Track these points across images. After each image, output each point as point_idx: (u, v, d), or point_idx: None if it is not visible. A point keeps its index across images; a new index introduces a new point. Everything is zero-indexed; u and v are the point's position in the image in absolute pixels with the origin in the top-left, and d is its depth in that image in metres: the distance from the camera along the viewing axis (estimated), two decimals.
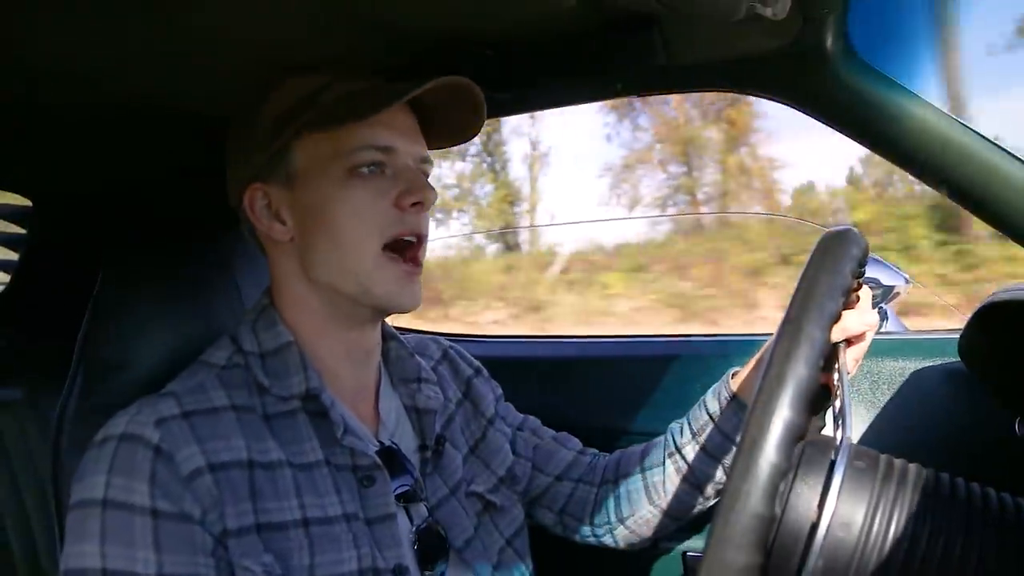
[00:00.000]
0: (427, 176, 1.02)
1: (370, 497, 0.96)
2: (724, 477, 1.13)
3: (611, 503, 1.21)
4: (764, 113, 12.81)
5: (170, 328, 1.10)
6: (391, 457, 1.01)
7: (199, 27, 0.86)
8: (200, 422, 0.89)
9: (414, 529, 1.00)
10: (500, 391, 1.29)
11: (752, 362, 1.12)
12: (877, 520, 0.59)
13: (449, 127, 1.05)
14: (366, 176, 0.95)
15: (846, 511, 0.59)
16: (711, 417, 1.13)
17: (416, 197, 0.95)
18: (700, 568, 0.56)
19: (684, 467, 1.15)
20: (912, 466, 0.64)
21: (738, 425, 1.10)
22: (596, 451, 1.29)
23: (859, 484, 0.61)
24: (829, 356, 0.86)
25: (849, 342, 0.97)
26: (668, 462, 1.17)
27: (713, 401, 1.14)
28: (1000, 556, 0.58)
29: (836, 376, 0.85)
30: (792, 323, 0.61)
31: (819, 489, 0.61)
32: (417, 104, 1.01)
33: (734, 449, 1.10)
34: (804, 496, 0.61)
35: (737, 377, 1.13)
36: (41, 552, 1.33)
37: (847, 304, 0.92)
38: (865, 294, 0.97)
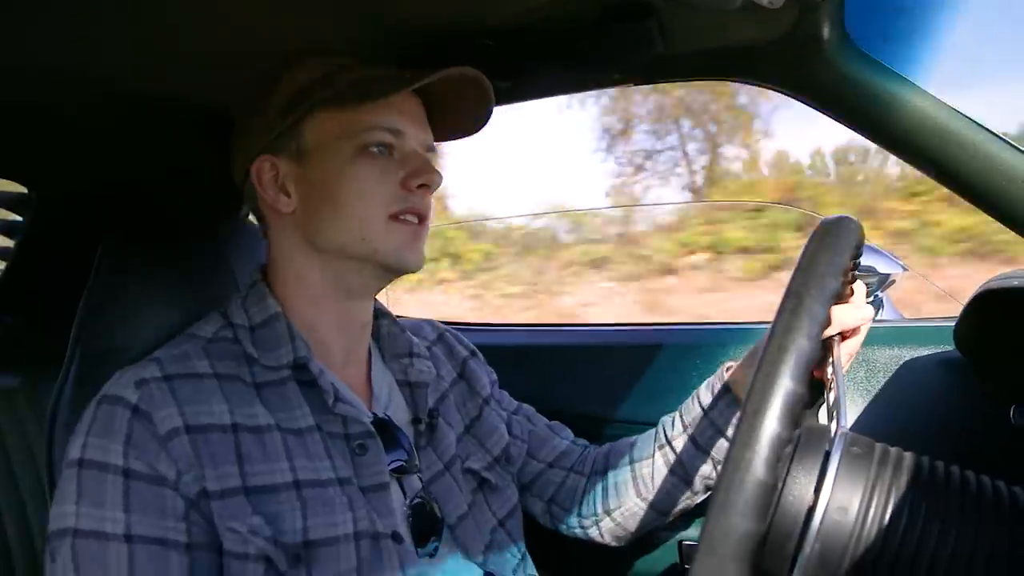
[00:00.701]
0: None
1: (363, 466, 0.96)
2: (713, 473, 1.13)
3: (599, 494, 1.21)
4: None
5: (166, 316, 1.10)
6: (384, 429, 1.02)
7: (200, 20, 0.86)
8: (180, 385, 0.90)
9: (407, 503, 1.00)
10: (495, 376, 1.30)
11: (746, 355, 1.12)
12: (873, 506, 0.60)
13: (457, 119, 1.07)
14: (375, 155, 0.97)
15: (842, 497, 0.60)
16: (703, 410, 1.13)
17: (422, 179, 0.98)
18: (702, 534, 0.56)
19: (673, 460, 1.15)
20: (907, 454, 0.64)
21: (730, 419, 1.10)
22: (587, 442, 1.30)
23: (855, 471, 0.61)
24: (823, 350, 0.87)
25: (843, 336, 0.97)
26: (658, 454, 1.17)
27: (706, 394, 1.14)
28: (994, 544, 0.58)
29: (830, 370, 0.85)
30: (793, 297, 0.61)
31: (815, 475, 0.61)
32: (425, 96, 1.03)
33: (725, 444, 1.10)
34: (800, 481, 0.61)
35: (731, 371, 1.13)
36: (36, 537, 1.34)
37: (841, 298, 0.92)
38: (859, 288, 0.97)
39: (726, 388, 1.11)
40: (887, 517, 0.59)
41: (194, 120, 1.13)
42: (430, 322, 1.30)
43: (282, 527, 0.87)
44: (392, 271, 1.01)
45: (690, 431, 1.14)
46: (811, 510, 0.59)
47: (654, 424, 1.22)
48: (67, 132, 1.14)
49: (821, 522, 0.59)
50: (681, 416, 1.17)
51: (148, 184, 1.32)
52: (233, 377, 0.95)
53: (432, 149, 1.04)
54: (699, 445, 1.13)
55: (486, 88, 1.01)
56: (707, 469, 1.13)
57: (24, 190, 1.42)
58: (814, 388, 0.88)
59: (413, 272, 1.01)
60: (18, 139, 1.14)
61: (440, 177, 0.99)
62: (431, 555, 1.00)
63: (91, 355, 1.05)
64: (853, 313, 0.96)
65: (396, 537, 0.95)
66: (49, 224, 1.37)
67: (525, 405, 1.31)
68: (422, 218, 1.00)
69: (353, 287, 1.02)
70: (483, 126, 1.09)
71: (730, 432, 1.09)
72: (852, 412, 1.34)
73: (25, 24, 0.82)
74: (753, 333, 1.50)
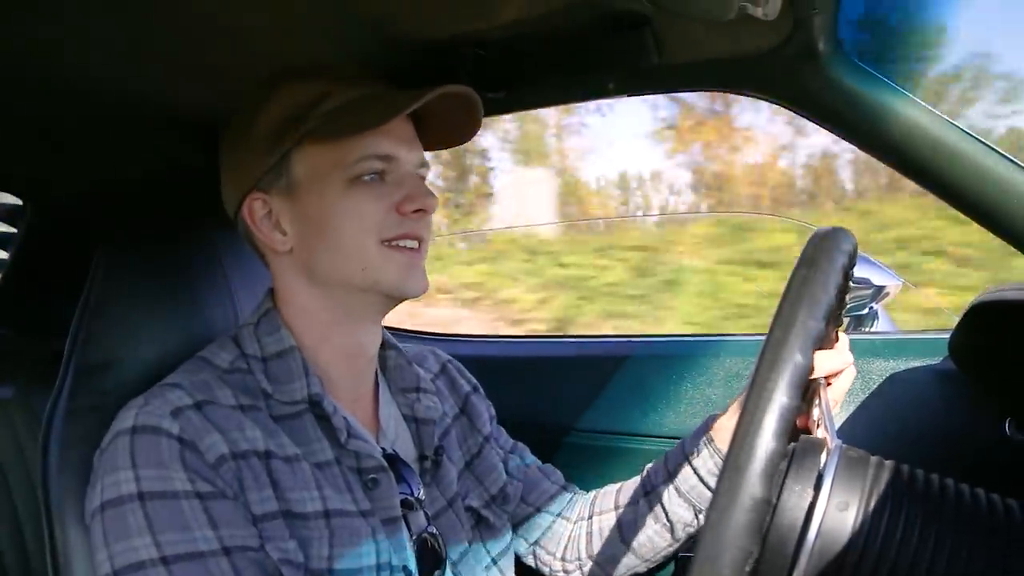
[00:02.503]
0: (424, 179, 1.02)
1: (376, 499, 0.96)
2: (695, 521, 1.13)
3: (583, 540, 1.21)
4: None
5: (160, 327, 1.10)
6: (392, 464, 1.01)
7: (194, 29, 0.86)
8: (212, 413, 0.89)
9: (413, 538, 1.00)
10: (494, 411, 1.29)
11: (732, 407, 1.11)
12: (871, 514, 0.59)
13: (446, 130, 1.06)
14: (367, 183, 0.95)
15: (836, 512, 0.60)
16: (687, 458, 1.12)
17: (418, 204, 0.96)
18: (698, 545, 0.56)
19: (657, 507, 1.15)
20: (903, 466, 0.64)
21: (713, 469, 1.10)
22: (576, 488, 1.30)
23: (850, 482, 0.61)
24: (809, 395, 0.86)
25: (828, 381, 0.96)
26: (642, 501, 1.17)
27: (691, 443, 1.14)
28: (988, 557, 0.58)
29: (816, 412, 0.83)
30: (785, 312, 0.61)
31: (811, 488, 0.61)
32: (414, 111, 1.01)
33: (707, 494, 1.09)
34: (795, 493, 0.61)
35: (716, 422, 1.12)
36: (30, 551, 1.33)
37: (826, 343, 0.91)
38: (843, 338, 0.96)
39: (710, 438, 1.11)
40: (884, 525, 0.59)
41: (188, 130, 1.13)
42: (433, 351, 1.28)
43: (310, 552, 0.88)
44: (395, 299, 1.00)
45: (674, 480, 1.13)
46: (810, 512, 0.59)
47: (641, 435, 1.22)
48: (60, 143, 1.14)
49: (820, 523, 0.59)
50: (666, 464, 1.16)
51: (142, 194, 1.32)
52: (255, 408, 0.94)
53: (425, 165, 1.02)
54: (682, 494, 1.12)
55: (475, 102, 1.00)
56: (689, 517, 1.13)
57: (18, 201, 1.42)
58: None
59: (417, 297, 1.00)
60: (11, 150, 1.14)
61: (435, 200, 0.97)
62: None
63: (86, 366, 1.05)
64: (838, 357, 0.94)
65: (406, 572, 0.95)
66: (43, 235, 1.37)
67: (519, 444, 1.31)
68: (420, 241, 0.99)
69: (359, 317, 1.01)
70: (471, 137, 1.07)
71: (712, 483, 1.08)
72: (847, 423, 1.34)
73: (19, 35, 0.82)
74: (742, 345, 1.50)
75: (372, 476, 0.96)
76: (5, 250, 1.49)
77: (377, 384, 1.10)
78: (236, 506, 0.85)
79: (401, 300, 1.01)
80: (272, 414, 0.95)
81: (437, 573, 1.01)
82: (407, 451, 1.06)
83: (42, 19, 0.79)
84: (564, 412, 1.57)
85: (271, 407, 0.95)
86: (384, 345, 1.11)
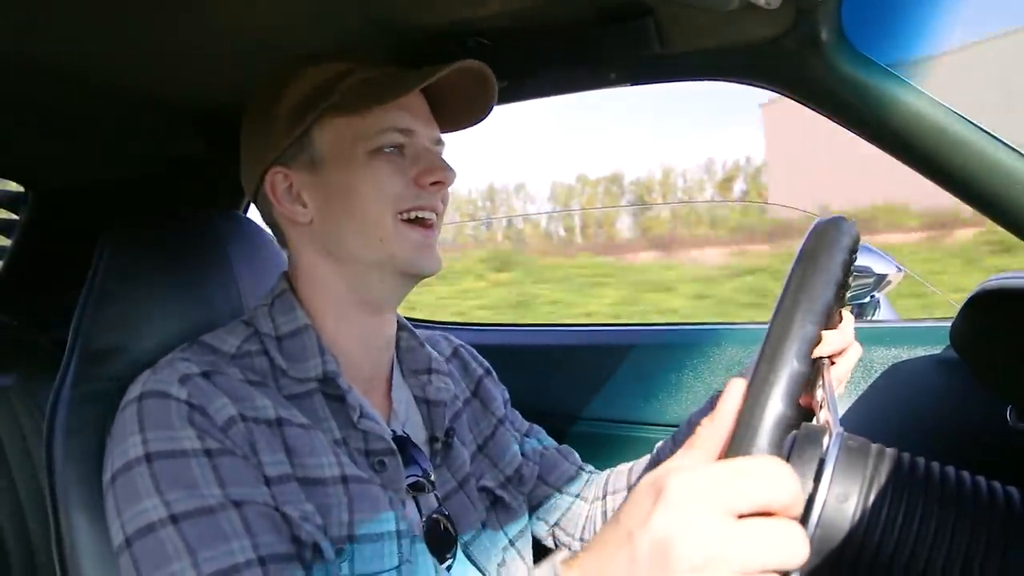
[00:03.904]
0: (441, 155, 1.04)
1: (383, 481, 0.96)
2: None
3: (599, 520, 1.22)
4: None
5: (165, 314, 1.10)
6: (403, 446, 1.01)
7: (198, 20, 0.86)
8: (221, 382, 0.89)
9: (424, 520, 1.00)
10: (508, 395, 1.29)
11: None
12: (869, 508, 0.60)
13: (460, 110, 1.08)
14: (388, 155, 0.98)
15: (841, 491, 0.60)
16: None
17: (436, 176, 0.98)
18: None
19: None
20: (903, 455, 0.64)
21: None
22: (592, 468, 1.30)
23: (850, 472, 0.61)
24: (812, 376, 0.86)
25: (832, 361, 0.96)
26: None
27: (698, 416, 1.14)
28: (988, 544, 0.59)
29: (820, 393, 0.83)
30: (787, 302, 0.61)
31: (811, 481, 0.61)
32: (427, 90, 1.02)
33: None
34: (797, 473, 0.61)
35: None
36: (34, 537, 1.34)
37: (830, 323, 0.91)
38: (848, 318, 0.96)
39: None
40: (884, 513, 0.59)
41: (192, 118, 1.13)
42: (445, 336, 1.29)
43: (329, 519, 0.87)
44: (410, 276, 1.01)
45: None
46: (810, 501, 0.59)
47: (645, 423, 1.22)
48: (64, 130, 1.14)
49: (821, 511, 0.59)
50: (674, 440, 1.17)
51: (146, 181, 1.32)
52: (264, 385, 0.94)
53: (440, 143, 1.04)
54: None
55: (489, 78, 1.01)
56: None
57: (21, 189, 1.42)
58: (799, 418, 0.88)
59: (431, 275, 1.01)
60: (15, 138, 1.14)
61: (454, 173, 1.00)
62: (448, 570, 1.00)
63: (89, 354, 1.05)
64: (840, 336, 0.94)
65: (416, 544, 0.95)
66: (46, 223, 1.37)
67: (535, 426, 1.31)
68: (437, 215, 1.00)
69: (376, 297, 1.02)
70: (485, 117, 1.09)
71: None
72: (848, 412, 1.35)
73: (23, 23, 0.82)
74: (746, 333, 1.50)
75: (380, 458, 0.97)
76: (8, 237, 1.49)
77: (391, 365, 1.10)
78: (247, 465, 0.84)
79: (416, 279, 1.02)
80: (283, 393, 0.95)
81: (449, 555, 1.01)
82: (417, 433, 1.07)
83: (46, 10, 0.79)
84: (569, 400, 1.57)
85: (281, 386, 0.95)
86: (397, 327, 1.12)
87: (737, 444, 0.58)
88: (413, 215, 0.98)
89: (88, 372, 1.03)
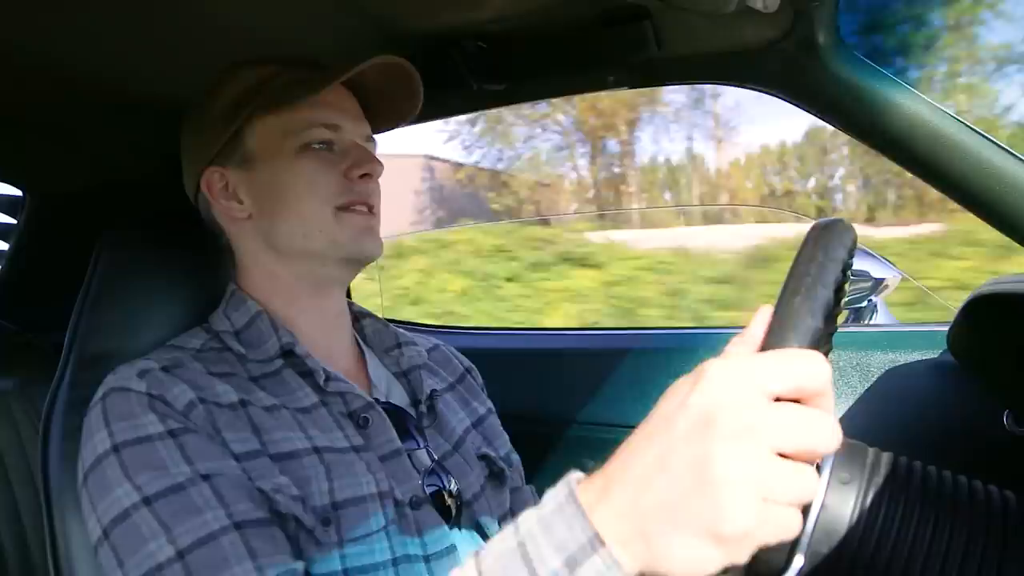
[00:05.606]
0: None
1: (371, 436, 0.97)
2: None
3: None
4: None
5: (161, 319, 1.10)
6: (388, 410, 1.02)
7: (193, 23, 0.86)
8: (181, 373, 0.91)
9: (422, 474, 1.00)
10: (491, 404, 1.28)
11: None
12: (867, 509, 0.60)
13: (390, 109, 1.10)
14: (316, 151, 1.00)
15: (836, 497, 0.60)
16: None
17: (364, 168, 1.00)
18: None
19: None
20: (900, 458, 0.64)
21: None
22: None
23: (848, 473, 0.61)
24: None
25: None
26: None
27: None
28: (985, 548, 0.59)
29: None
30: (784, 304, 0.61)
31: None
32: (360, 90, 1.05)
33: None
34: None
35: None
36: (30, 542, 1.34)
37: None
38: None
39: None
40: (881, 515, 0.59)
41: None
42: (424, 336, 1.29)
43: (309, 489, 0.88)
44: (354, 262, 1.04)
45: None
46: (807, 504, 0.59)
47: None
48: (62, 133, 1.14)
49: (819, 515, 0.59)
50: None
51: (143, 184, 1.32)
52: (230, 374, 0.96)
53: (371, 139, 1.07)
54: None
55: (412, 74, 1.03)
56: None
57: (18, 193, 1.42)
58: None
59: (374, 259, 1.04)
60: (11, 141, 1.14)
61: (381, 166, 1.01)
62: (450, 528, 1.00)
63: (86, 357, 1.05)
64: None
65: (415, 503, 0.95)
66: (44, 226, 1.37)
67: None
68: (370, 207, 1.03)
69: (323, 281, 1.04)
70: (412, 113, 1.10)
71: None
72: (845, 417, 1.35)
73: (21, 26, 0.82)
74: None
75: (363, 415, 0.98)
76: (6, 241, 1.49)
77: (362, 351, 1.12)
78: (212, 442, 0.85)
79: (360, 263, 1.04)
80: (250, 376, 0.97)
81: (451, 516, 1.00)
82: (402, 401, 1.08)
83: (42, 11, 0.79)
84: (562, 404, 1.57)
85: (249, 370, 0.97)
86: (358, 316, 1.15)
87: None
88: (349, 208, 1.00)
89: (84, 375, 1.03)
